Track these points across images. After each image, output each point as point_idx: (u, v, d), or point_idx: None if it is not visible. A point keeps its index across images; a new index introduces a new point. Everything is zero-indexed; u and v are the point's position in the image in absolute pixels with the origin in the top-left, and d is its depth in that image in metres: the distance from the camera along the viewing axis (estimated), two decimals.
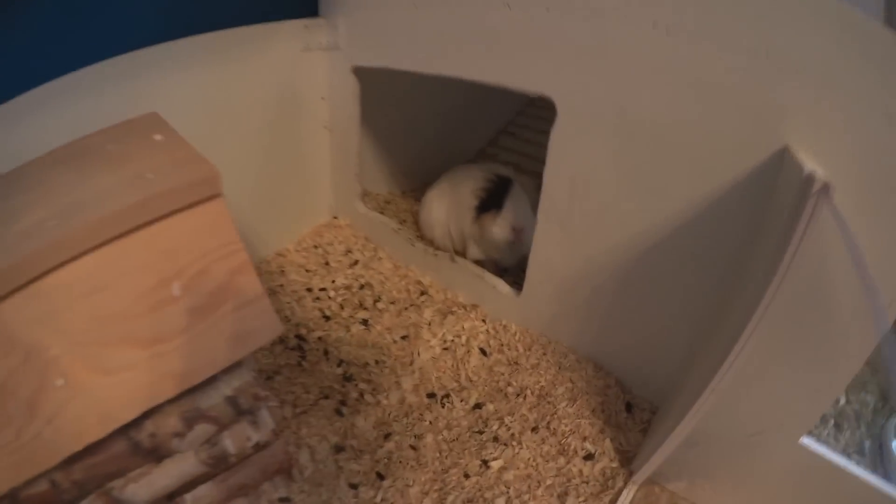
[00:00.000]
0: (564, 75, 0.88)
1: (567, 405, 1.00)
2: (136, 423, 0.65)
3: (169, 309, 0.63)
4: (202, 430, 0.72)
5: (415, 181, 1.66)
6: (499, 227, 1.18)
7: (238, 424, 0.74)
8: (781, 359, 0.77)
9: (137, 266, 0.62)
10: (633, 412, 1.02)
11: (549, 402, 1.01)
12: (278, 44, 1.15)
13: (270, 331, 0.64)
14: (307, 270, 1.32)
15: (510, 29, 0.91)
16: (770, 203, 0.73)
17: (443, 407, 1.02)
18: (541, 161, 1.68)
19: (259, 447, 0.77)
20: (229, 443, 0.73)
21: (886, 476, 1.05)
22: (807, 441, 0.82)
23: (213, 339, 0.64)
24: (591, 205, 0.93)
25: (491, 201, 1.21)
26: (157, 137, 0.75)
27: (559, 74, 0.88)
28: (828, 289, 0.68)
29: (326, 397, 1.03)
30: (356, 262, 1.34)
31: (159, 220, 0.63)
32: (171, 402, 0.67)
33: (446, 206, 1.34)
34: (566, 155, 0.93)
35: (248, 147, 1.19)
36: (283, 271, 1.31)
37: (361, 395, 1.04)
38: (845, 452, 1.20)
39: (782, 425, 0.82)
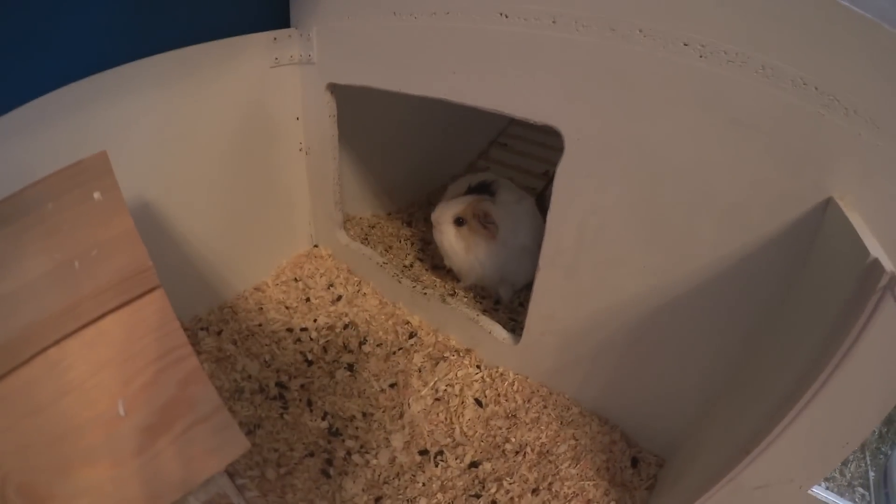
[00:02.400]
0: (574, 103, 0.77)
1: (570, 465, 0.93)
2: None
3: (117, 430, 0.54)
4: None
5: (401, 201, 1.56)
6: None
7: None
8: (805, 419, 0.71)
9: (78, 379, 0.54)
10: (639, 467, 0.95)
11: (550, 462, 0.94)
12: (245, 60, 1.06)
13: (234, 447, 0.55)
14: (287, 307, 1.22)
15: (508, 44, 0.80)
16: (809, 265, 0.66)
17: (436, 466, 0.95)
18: (535, 175, 1.62)
19: None
20: None
21: None
22: (816, 490, 0.78)
23: (170, 460, 0.56)
24: (602, 255, 0.84)
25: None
26: (96, 196, 0.69)
27: (568, 101, 0.77)
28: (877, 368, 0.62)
29: (311, 455, 0.96)
30: (339, 298, 1.25)
31: (91, 324, 0.54)
32: None
33: None
34: (575, 196, 0.83)
35: (217, 174, 1.11)
36: (261, 308, 1.22)
37: (349, 453, 0.96)
38: (850, 486, 1.18)
39: (792, 479, 0.77)
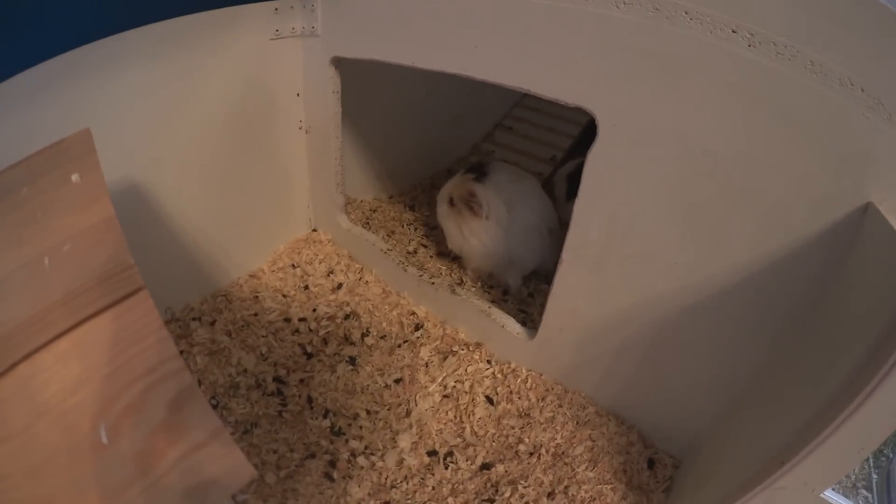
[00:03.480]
0: (611, 85, 0.71)
1: (587, 468, 0.89)
2: None
3: (101, 459, 0.47)
4: None
5: (402, 184, 1.49)
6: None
7: None
8: (842, 431, 0.68)
9: (54, 399, 0.47)
10: (655, 469, 0.92)
11: (566, 464, 0.90)
12: (243, 31, 0.97)
13: (238, 477, 0.48)
14: (284, 296, 1.16)
15: (540, 17, 0.73)
16: (847, 272, 0.63)
17: (446, 468, 0.90)
18: (541, 160, 1.56)
19: None
20: None
21: None
22: (827, 493, 0.76)
23: (164, 494, 0.48)
24: (633, 249, 0.79)
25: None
26: (74, 178, 0.62)
27: (604, 84, 0.71)
28: None
29: (313, 456, 0.90)
30: (340, 286, 1.19)
31: (64, 335, 0.47)
32: None
33: None
34: (607, 184, 0.77)
35: (211, 153, 1.03)
36: (257, 297, 1.15)
37: (353, 455, 0.91)
38: (854, 487, 1.17)
39: (806, 482, 0.75)
